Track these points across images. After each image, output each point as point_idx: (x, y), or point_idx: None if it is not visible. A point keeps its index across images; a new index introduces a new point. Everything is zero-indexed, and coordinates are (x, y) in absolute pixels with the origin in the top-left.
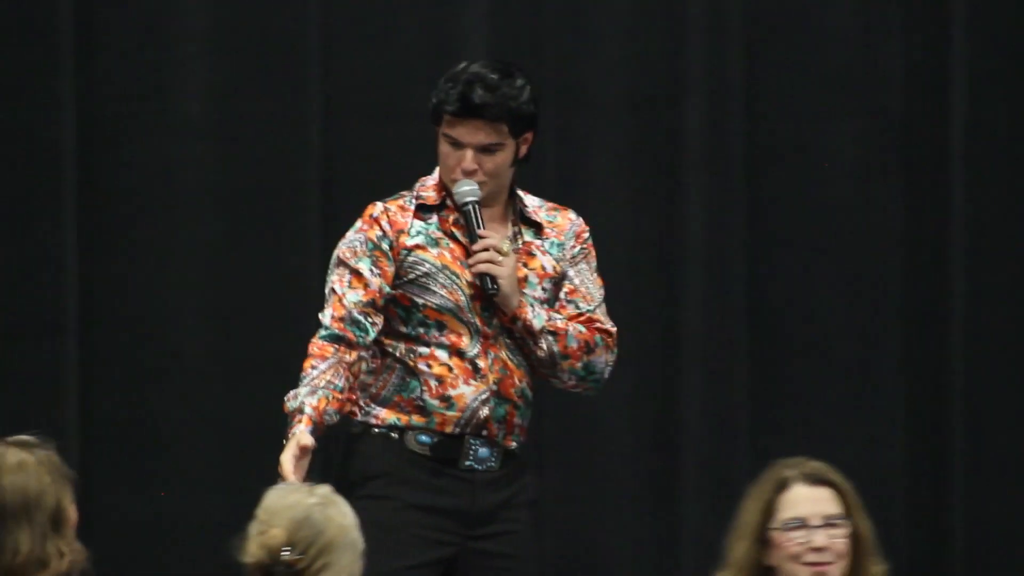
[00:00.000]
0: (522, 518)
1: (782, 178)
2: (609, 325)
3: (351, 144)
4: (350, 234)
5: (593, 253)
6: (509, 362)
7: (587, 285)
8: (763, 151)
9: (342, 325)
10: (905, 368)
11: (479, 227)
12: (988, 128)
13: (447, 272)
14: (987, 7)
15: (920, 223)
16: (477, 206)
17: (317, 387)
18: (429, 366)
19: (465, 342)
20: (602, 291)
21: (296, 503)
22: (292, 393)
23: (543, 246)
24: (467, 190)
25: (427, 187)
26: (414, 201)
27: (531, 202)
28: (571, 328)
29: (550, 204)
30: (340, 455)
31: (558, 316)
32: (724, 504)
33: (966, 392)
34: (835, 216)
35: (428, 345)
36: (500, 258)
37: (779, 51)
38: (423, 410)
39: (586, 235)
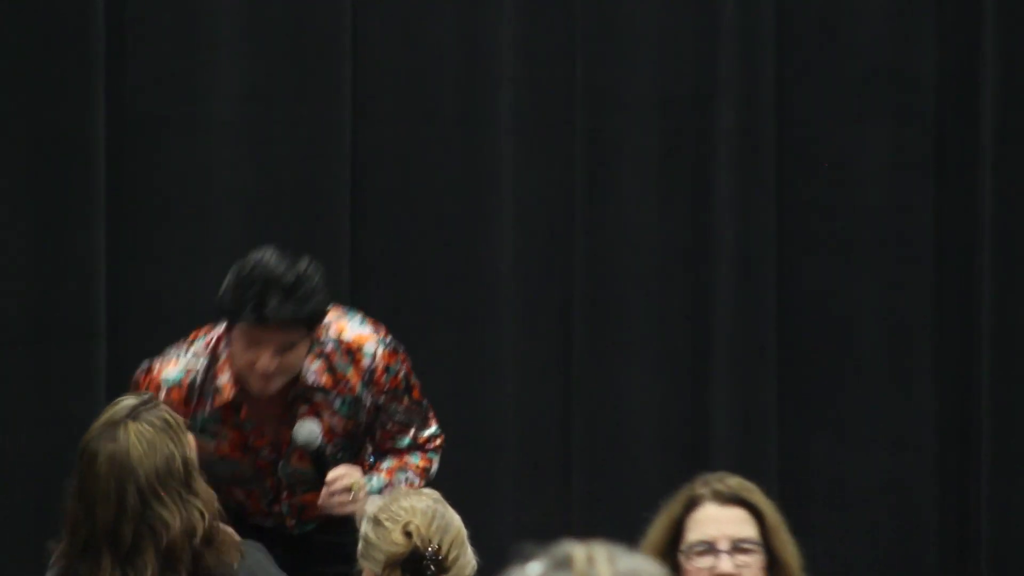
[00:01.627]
0: None
1: (813, 181)
2: (437, 439)
3: (382, 147)
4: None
5: (400, 373)
6: (312, 496)
7: (402, 418)
8: (794, 154)
9: None
10: (935, 371)
11: (328, 467)
12: (1018, 133)
13: (226, 460)
14: (1018, 12)
15: (950, 227)
16: (323, 448)
17: None
18: (226, 500)
19: (257, 494)
20: (418, 403)
21: (418, 502)
22: None
23: (333, 405)
24: (307, 439)
25: (225, 367)
26: (200, 394)
27: (330, 338)
28: (412, 473)
29: (347, 342)
30: None
31: (402, 476)
32: None
33: (995, 395)
34: (866, 220)
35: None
36: (352, 495)
37: (811, 54)
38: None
39: (385, 376)
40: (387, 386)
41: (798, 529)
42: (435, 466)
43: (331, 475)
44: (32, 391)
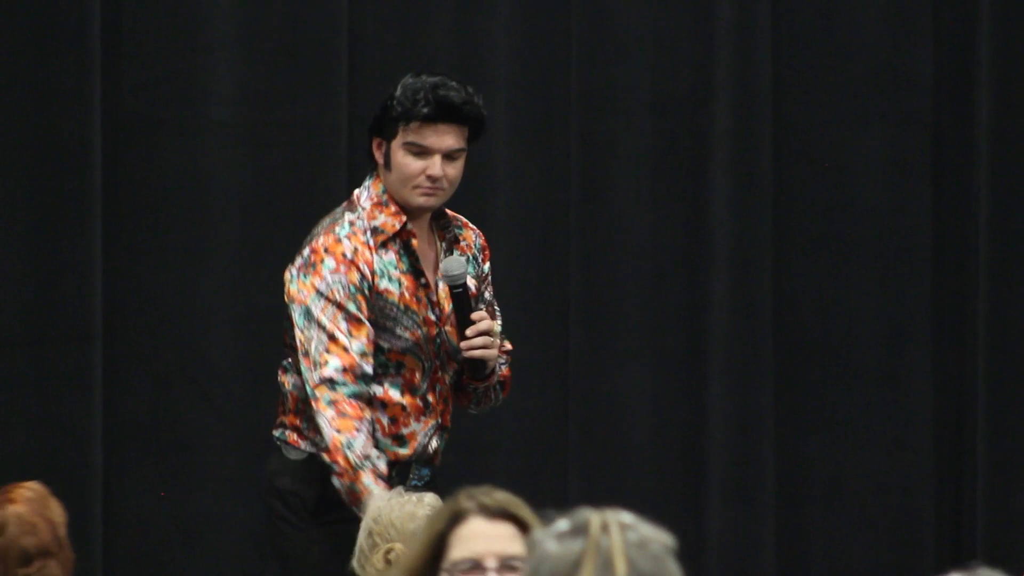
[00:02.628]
0: None
1: (809, 182)
2: (507, 342)
3: None
4: (326, 274)
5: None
6: (448, 391)
7: (495, 304)
8: (790, 155)
9: (355, 378)
10: (932, 372)
11: (472, 309)
12: (1014, 133)
13: (409, 312)
14: (1013, 14)
15: (947, 228)
16: (466, 286)
17: (375, 454)
18: (384, 405)
19: (418, 378)
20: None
21: (412, 515)
22: (360, 451)
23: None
24: (457, 273)
25: (375, 212)
26: (370, 235)
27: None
28: (503, 369)
29: (450, 214)
30: (288, 482)
31: (501, 361)
32: (749, 510)
33: (990, 395)
34: (862, 220)
35: (383, 384)
36: (492, 340)
37: (807, 55)
38: (375, 446)
39: (487, 249)
40: (488, 258)
41: (794, 530)
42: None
43: (476, 315)
44: (29, 392)
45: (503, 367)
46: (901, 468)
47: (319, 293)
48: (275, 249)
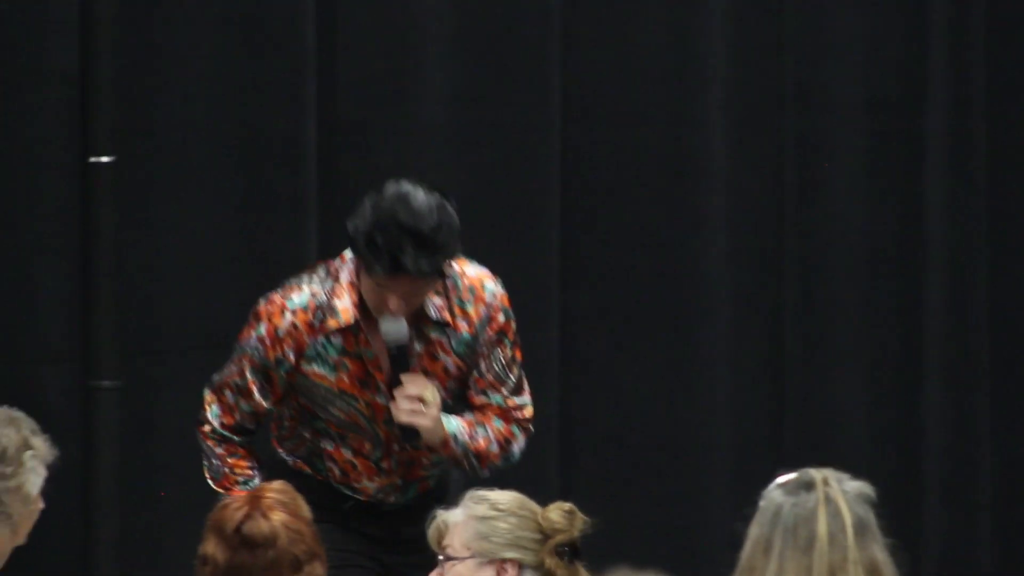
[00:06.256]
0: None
1: None
2: (526, 408)
3: (591, 148)
4: (253, 336)
5: (511, 327)
6: (413, 454)
7: (498, 372)
8: (1006, 155)
9: (231, 433)
10: None
11: (405, 371)
12: None
13: (344, 396)
14: None
15: None
16: (405, 348)
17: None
18: (334, 459)
19: (368, 448)
20: (517, 363)
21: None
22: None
23: (449, 344)
24: (395, 333)
25: (343, 292)
26: (322, 314)
27: (453, 274)
28: (491, 434)
29: (470, 278)
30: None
31: (480, 432)
32: (965, 511)
33: None
34: None
35: (333, 441)
36: (424, 407)
37: (1021, 53)
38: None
39: (501, 315)
40: (500, 327)
41: (1012, 529)
42: (518, 445)
43: (405, 377)
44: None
45: (479, 440)
46: None
47: (243, 347)
48: (493, 244)
